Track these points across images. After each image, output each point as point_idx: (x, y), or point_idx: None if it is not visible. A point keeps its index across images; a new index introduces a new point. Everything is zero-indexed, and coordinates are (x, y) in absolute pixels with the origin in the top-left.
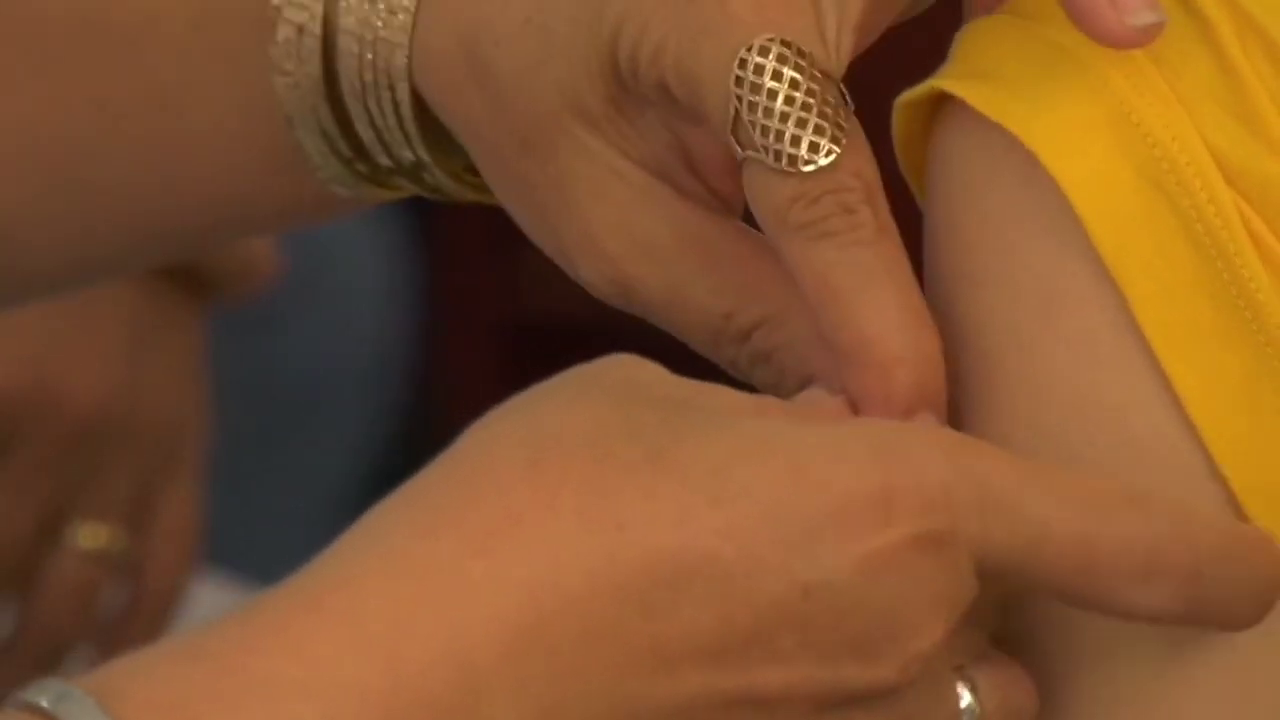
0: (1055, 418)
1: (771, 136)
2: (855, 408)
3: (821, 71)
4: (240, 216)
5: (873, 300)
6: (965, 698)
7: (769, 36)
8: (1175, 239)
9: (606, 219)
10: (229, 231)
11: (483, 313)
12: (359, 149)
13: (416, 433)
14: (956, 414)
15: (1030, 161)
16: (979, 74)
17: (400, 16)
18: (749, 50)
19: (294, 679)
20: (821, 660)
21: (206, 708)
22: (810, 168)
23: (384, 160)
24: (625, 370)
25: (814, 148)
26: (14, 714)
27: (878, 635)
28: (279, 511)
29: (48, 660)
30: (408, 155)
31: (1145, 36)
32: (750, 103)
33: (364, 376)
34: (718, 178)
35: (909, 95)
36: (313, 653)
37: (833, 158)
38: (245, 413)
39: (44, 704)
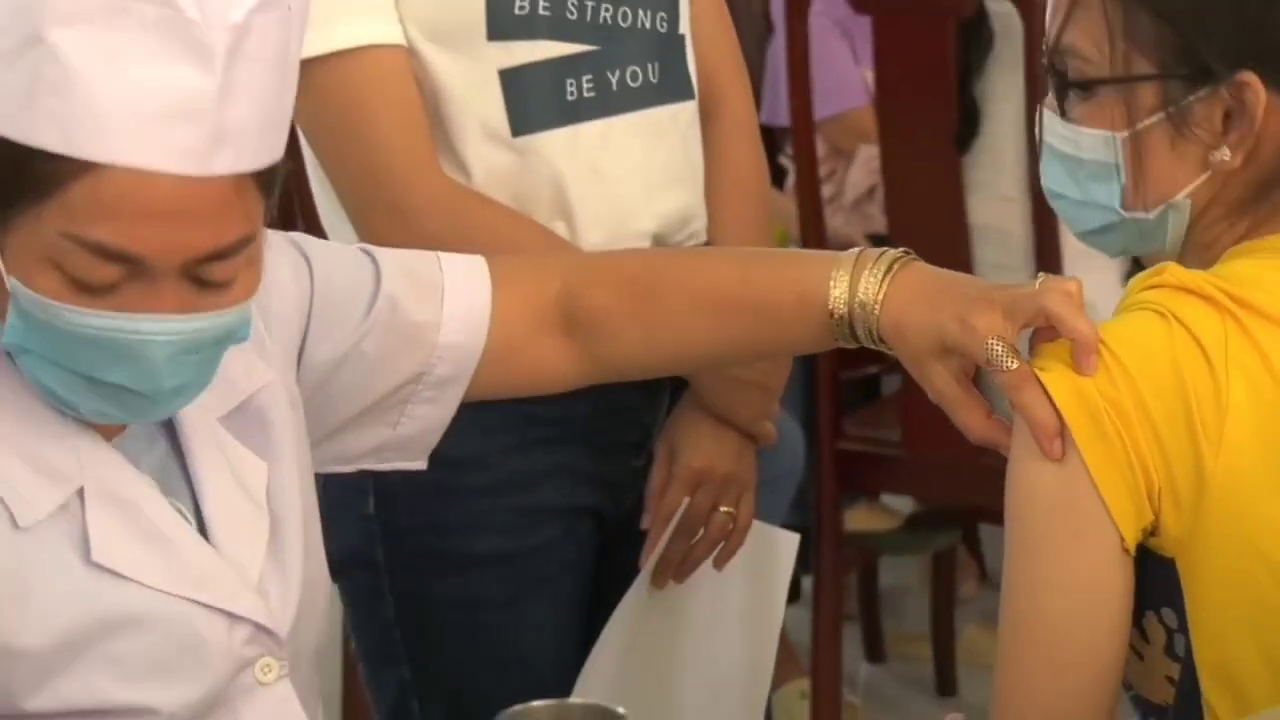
0: (1050, 488)
1: (999, 361)
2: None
3: (1009, 340)
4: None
5: (1040, 412)
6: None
7: (995, 337)
8: (1091, 427)
9: (935, 386)
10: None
11: (829, 445)
12: (855, 336)
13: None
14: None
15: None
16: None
17: (877, 304)
18: (991, 340)
19: None
20: None
21: None
22: (1011, 367)
23: (864, 339)
24: None
25: (1009, 361)
26: None
27: None
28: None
29: (705, 553)
30: (873, 342)
31: (1093, 372)
32: (992, 353)
33: (790, 475)
34: (969, 378)
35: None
36: None
37: (1016, 364)
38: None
39: None
